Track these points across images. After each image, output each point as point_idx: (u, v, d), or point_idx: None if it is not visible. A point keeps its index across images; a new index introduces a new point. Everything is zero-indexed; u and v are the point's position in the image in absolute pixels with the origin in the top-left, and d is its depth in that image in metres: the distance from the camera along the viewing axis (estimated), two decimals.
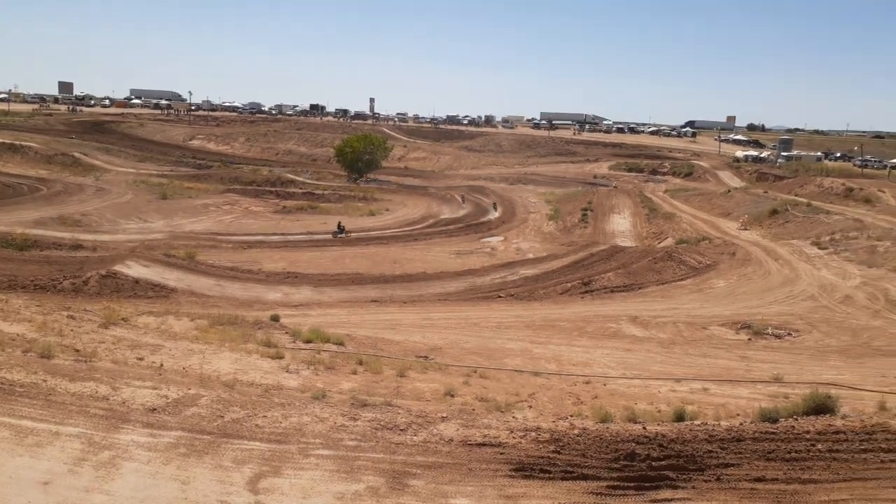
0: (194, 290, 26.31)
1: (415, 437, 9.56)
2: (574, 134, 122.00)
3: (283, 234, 41.23)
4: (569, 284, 30.29)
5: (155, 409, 9.69)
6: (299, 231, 42.40)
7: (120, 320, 16.33)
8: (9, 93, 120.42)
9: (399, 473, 8.40)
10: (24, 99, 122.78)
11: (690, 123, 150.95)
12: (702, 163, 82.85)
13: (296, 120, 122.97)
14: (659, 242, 41.83)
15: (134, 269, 27.37)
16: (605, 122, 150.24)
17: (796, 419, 10.46)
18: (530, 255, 38.10)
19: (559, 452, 9.16)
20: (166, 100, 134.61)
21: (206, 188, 57.44)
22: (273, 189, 59.36)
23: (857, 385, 15.31)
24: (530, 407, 12.37)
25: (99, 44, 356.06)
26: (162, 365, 12.34)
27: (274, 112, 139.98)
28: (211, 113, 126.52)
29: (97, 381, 10.58)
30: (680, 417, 10.82)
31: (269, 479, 8.07)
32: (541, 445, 9.36)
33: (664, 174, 78.28)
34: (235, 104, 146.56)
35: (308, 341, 16.37)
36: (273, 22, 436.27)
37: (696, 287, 29.04)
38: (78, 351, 12.44)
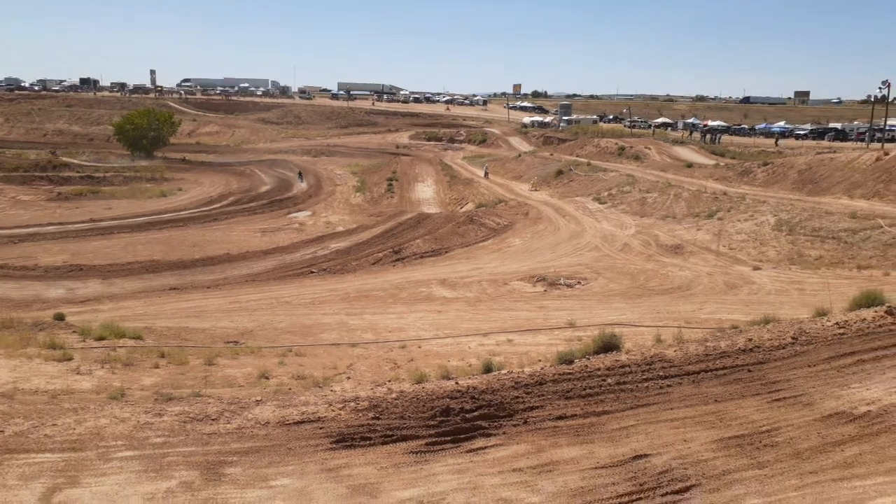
0: None
1: (228, 425, 9.19)
2: (372, 104, 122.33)
3: (60, 223, 37.01)
4: (380, 254, 30.66)
5: None
6: (80, 219, 38.33)
7: None
8: None
9: (214, 464, 8.03)
10: None
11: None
12: (494, 130, 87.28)
13: (65, 96, 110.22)
14: (461, 207, 43.64)
15: None
16: (401, 93, 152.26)
17: (588, 359, 11.56)
18: (340, 228, 37.91)
19: (378, 418, 9.32)
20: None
21: None
22: (45, 174, 52.94)
23: (637, 322, 17.26)
24: (349, 378, 12.43)
25: None
26: None
27: (37, 88, 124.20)
28: None
29: None
30: (488, 369, 11.50)
31: (65, 492, 7.33)
32: (360, 414, 9.45)
33: (461, 142, 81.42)
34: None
35: (101, 338, 14.95)
36: None
37: (496, 247, 30.78)
38: None
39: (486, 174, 55.07)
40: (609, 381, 10.42)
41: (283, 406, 9.83)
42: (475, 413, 9.39)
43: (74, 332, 15.89)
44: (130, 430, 8.89)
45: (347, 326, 18.59)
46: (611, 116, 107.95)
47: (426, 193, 49.43)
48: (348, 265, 29.12)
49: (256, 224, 39.19)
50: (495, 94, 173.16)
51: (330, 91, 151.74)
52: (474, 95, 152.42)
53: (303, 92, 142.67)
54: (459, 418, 9.25)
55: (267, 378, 12.21)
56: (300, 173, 56.78)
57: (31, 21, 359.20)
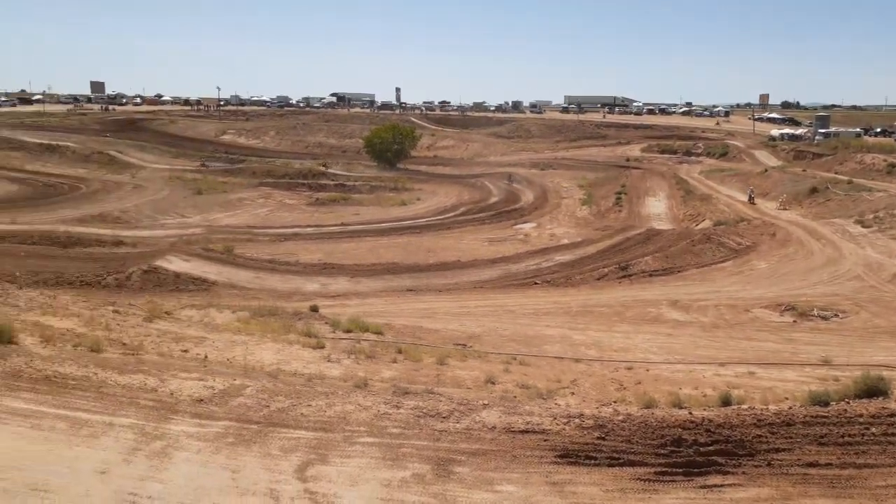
0: (234, 282, 26.70)
1: (457, 425, 9.57)
2: (603, 117, 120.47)
3: (317, 225, 41.56)
4: (606, 269, 30.00)
5: (202, 400, 9.85)
6: (333, 223, 42.68)
7: (163, 314, 16.62)
8: (43, 94, 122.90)
9: (444, 460, 8.40)
10: (58, 100, 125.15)
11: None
12: (736, 142, 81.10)
13: (323, 112, 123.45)
14: (696, 224, 41.17)
15: (175, 264, 27.89)
16: (634, 104, 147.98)
17: (848, 402, 10.22)
18: (565, 241, 37.82)
19: (604, 439, 9.09)
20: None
21: (240, 182, 58.07)
22: (306, 181, 59.83)
23: None
24: (572, 393, 12.30)
25: (124, 45, 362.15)
26: (206, 357, 12.54)
27: (301, 105, 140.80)
28: (240, 108, 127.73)
29: (145, 373, 10.79)
30: (726, 402, 10.66)
31: (316, 467, 8.14)
32: (585, 432, 9.30)
33: (698, 155, 76.85)
34: (264, 98, 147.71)
35: (348, 331, 16.50)
36: (296, 16, 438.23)
37: (736, 269, 28.53)
38: (125, 344, 12.71)
39: (751, 199, 46.30)
40: (873, 430, 9.12)
41: (508, 413, 9.99)
42: (710, 447, 8.77)
43: (326, 323, 17.69)
44: (371, 418, 9.64)
45: (570, 341, 18.44)
46: (878, 129, 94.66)
47: (657, 208, 47.43)
48: (572, 279, 28.91)
49: (484, 233, 40.53)
50: (738, 105, 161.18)
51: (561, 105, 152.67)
52: (714, 106, 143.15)
53: (533, 106, 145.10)
54: (693, 451, 8.70)
55: (493, 383, 12.51)
56: (510, 175, 61.28)
57: (297, 46, 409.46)
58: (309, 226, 41.37)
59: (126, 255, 30.17)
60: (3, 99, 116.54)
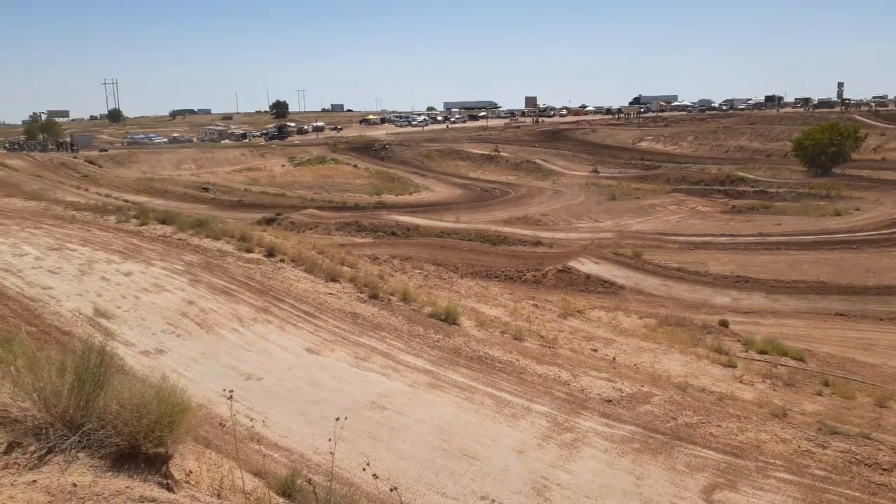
0: (641, 288, 26.82)
1: None
2: None
3: (731, 235, 39.10)
4: None
5: (610, 401, 10.13)
6: (749, 232, 39.67)
7: (575, 312, 17.63)
8: (486, 110, 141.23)
9: None
10: (498, 115, 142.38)
11: None
12: None
13: (748, 114, 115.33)
14: None
15: (586, 266, 29.25)
16: None
17: None
18: None
19: None
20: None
21: (652, 189, 58.14)
22: (721, 188, 56.86)
23: None
24: None
25: (556, 61, 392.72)
26: (615, 358, 12.86)
27: (724, 108, 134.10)
28: (660, 114, 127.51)
29: (559, 366, 11.57)
30: None
31: (723, 492, 7.70)
32: None
33: None
34: (685, 103, 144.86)
35: (762, 352, 15.14)
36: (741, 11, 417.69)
37: None
38: (542, 337, 13.83)
39: None
40: None
41: None
42: None
43: (738, 340, 16.53)
44: (790, 453, 8.69)
45: None
46: None
47: None
48: None
49: None
50: None
51: None
52: None
53: None
54: None
55: None
56: None
57: (732, 45, 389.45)
58: (722, 234, 39.15)
59: (543, 255, 32.76)
60: (457, 116, 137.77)
